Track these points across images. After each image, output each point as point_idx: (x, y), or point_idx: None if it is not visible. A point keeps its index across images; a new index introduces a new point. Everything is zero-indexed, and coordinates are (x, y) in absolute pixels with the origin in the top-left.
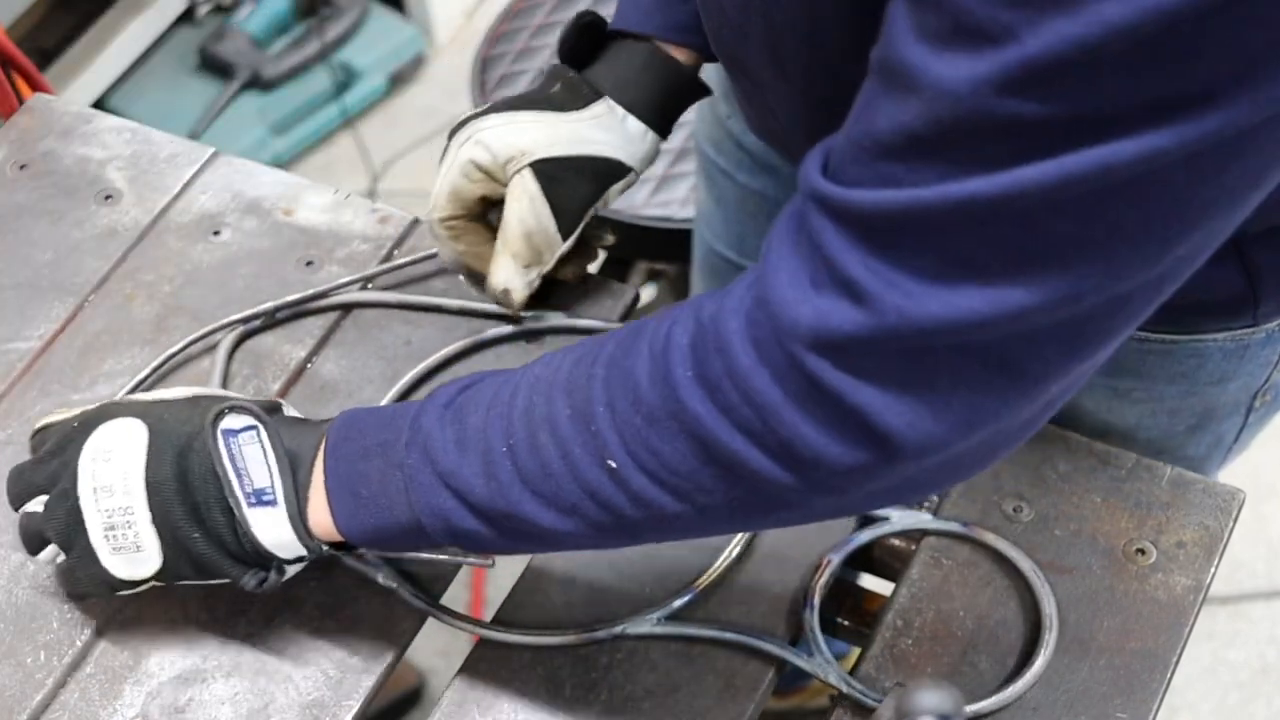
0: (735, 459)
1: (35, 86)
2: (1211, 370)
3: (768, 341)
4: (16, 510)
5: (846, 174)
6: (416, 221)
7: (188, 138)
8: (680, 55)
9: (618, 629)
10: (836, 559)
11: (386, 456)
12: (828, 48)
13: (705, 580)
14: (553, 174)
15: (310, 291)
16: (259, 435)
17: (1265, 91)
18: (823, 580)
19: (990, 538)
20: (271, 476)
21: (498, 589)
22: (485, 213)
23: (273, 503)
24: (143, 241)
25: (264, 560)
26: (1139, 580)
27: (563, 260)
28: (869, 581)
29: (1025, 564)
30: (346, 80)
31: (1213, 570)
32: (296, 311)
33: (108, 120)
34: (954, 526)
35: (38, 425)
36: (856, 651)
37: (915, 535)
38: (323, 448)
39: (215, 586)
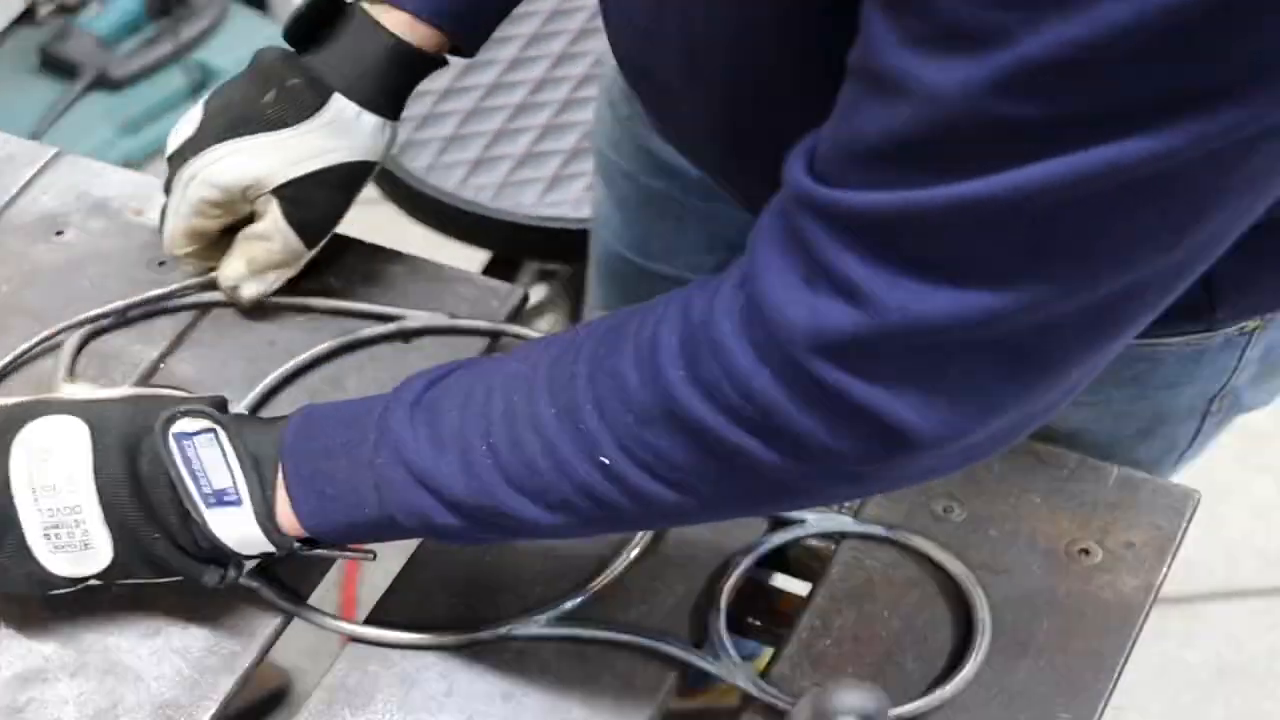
0: (741, 453)
1: None
2: (1165, 375)
3: (765, 343)
4: None
5: (835, 175)
6: None
7: (28, 138)
8: (428, 39)
9: (503, 629)
10: (746, 562)
11: (352, 456)
12: (754, 53)
13: (601, 582)
14: (295, 196)
15: (166, 289)
16: (217, 437)
17: None
18: (730, 582)
19: (918, 541)
20: (234, 477)
21: (371, 589)
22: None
23: (236, 503)
24: None
25: (224, 558)
26: (1082, 581)
27: None
28: (784, 580)
29: (956, 567)
30: (204, 79)
31: (1164, 571)
32: (148, 310)
33: None
34: (877, 530)
35: None
36: (769, 652)
37: (835, 537)
38: (280, 447)
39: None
